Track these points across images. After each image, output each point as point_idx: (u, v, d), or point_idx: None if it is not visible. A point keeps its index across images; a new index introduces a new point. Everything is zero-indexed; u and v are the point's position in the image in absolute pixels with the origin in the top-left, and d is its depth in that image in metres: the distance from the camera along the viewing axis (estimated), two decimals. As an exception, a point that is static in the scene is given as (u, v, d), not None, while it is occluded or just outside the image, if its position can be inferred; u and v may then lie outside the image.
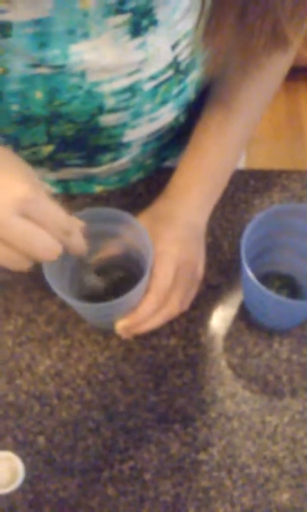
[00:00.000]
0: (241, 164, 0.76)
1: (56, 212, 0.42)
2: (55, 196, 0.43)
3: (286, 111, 1.69)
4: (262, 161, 1.56)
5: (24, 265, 0.42)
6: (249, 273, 0.49)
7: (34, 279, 0.61)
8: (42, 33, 0.46)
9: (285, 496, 0.52)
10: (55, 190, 0.65)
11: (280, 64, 0.60)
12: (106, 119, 0.55)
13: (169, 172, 0.61)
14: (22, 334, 0.59)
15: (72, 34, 0.47)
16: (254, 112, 0.62)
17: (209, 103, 0.61)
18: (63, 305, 0.60)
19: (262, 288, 0.49)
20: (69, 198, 0.66)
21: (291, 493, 0.52)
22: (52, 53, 0.48)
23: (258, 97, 0.61)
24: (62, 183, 0.65)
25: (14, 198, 0.39)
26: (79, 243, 0.46)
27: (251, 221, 0.51)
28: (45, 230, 0.41)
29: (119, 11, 0.47)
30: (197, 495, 0.52)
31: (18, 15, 0.45)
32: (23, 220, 0.40)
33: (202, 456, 0.53)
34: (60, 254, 0.43)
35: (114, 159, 0.61)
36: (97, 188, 0.66)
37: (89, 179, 0.65)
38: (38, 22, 0.45)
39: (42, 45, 0.47)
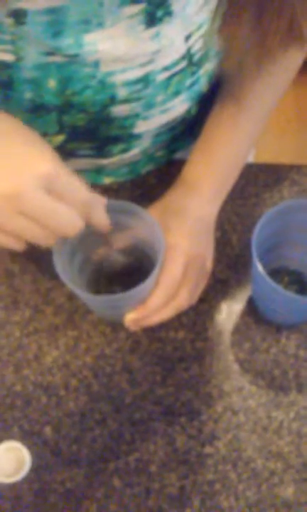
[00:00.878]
0: (250, 158, 0.76)
1: (79, 188, 0.43)
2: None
3: (294, 105, 1.68)
4: (270, 155, 1.56)
5: (48, 240, 0.43)
6: (260, 268, 0.49)
7: (42, 269, 0.61)
8: (56, 22, 0.46)
9: (289, 490, 0.52)
10: None
11: (294, 59, 0.59)
12: (118, 110, 0.54)
13: (179, 164, 0.60)
14: (30, 325, 0.59)
15: (87, 23, 0.46)
16: (266, 106, 0.62)
17: (221, 96, 0.61)
18: (71, 296, 0.59)
19: (272, 283, 0.49)
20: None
21: (296, 487, 0.52)
22: (66, 42, 0.47)
23: (270, 92, 0.61)
24: (71, 173, 0.65)
25: (39, 173, 0.40)
26: (101, 219, 0.46)
27: (261, 217, 0.50)
28: (68, 205, 0.42)
29: (135, 1, 0.46)
30: (202, 488, 0.52)
31: (33, 3, 0.44)
32: (46, 194, 0.40)
33: (208, 449, 0.54)
34: (81, 229, 0.43)
35: (125, 150, 0.61)
36: (107, 180, 0.66)
37: (99, 170, 0.65)
38: (52, 10, 0.45)
39: (57, 33, 0.47)
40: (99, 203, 0.45)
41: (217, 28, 0.50)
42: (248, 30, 0.49)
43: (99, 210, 0.45)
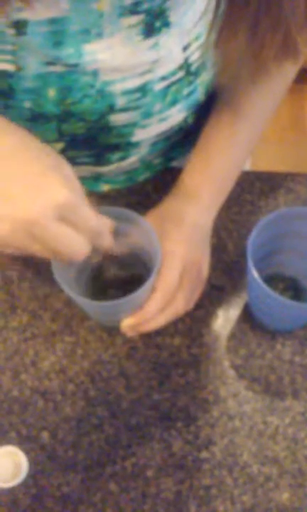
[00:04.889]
0: (247, 166, 0.77)
1: (90, 217, 0.43)
2: (88, 194, 0.44)
3: (290, 113, 1.70)
4: (266, 163, 1.57)
5: (52, 259, 0.44)
6: (255, 275, 0.50)
7: (40, 276, 0.62)
8: (57, 32, 0.47)
9: (285, 496, 0.52)
10: None
11: (288, 71, 0.60)
12: (117, 119, 0.55)
13: (176, 172, 0.61)
14: (27, 330, 0.59)
15: (87, 34, 0.47)
16: (262, 116, 0.63)
17: (217, 106, 0.62)
18: (68, 302, 0.60)
19: (268, 290, 0.49)
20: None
21: (291, 492, 0.52)
22: (67, 52, 0.48)
23: (265, 102, 0.62)
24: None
25: (55, 201, 0.40)
26: (108, 243, 0.46)
27: (257, 224, 0.51)
28: (78, 233, 0.42)
29: (134, 12, 0.47)
30: (199, 493, 0.52)
31: (34, 13, 0.45)
32: (58, 222, 0.41)
33: (204, 454, 0.54)
34: (87, 255, 0.44)
35: (123, 158, 0.61)
36: (105, 187, 0.67)
37: (97, 178, 0.65)
38: (53, 21, 0.46)
39: (57, 43, 0.47)
40: (106, 230, 0.46)
41: (213, 41, 0.51)
42: (243, 43, 0.49)
43: (106, 236, 0.46)
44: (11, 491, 0.52)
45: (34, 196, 0.40)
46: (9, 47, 0.48)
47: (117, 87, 0.52)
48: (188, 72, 0.56)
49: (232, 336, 0.59)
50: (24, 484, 0.53)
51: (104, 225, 0.45)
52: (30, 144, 0.43)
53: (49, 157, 0.42)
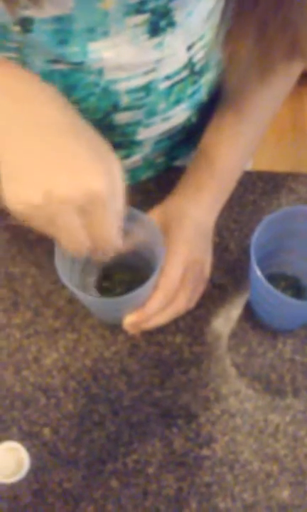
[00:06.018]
0: (249, 166, 0.77)
1: (109, 224, 0.42)
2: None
3: (290, 114, 1.71)
4: (265, 164, 1.57)
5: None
6: (258, 273, 0.50)
7: (43, 273, 0.62)
8: (62, 30, 0.47)
9: (285, 493, 0.53)
10: None
11: (294, 71, 0.61)
12: (121, 117, 0.55)
13: (179, 171, 0.61)
14: (30, 327, 0.59)
15: (92, 32, 0.48)
16: (264, 116, 0.63)
17: (221, 106, 0.62)
18: (71, 299, 0.60)
19: (271, 288, 0.50)
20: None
21: (291, 490, 0.53)
22: (72, 50, 0.48)
23: (269, 103, 0.62)
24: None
25: (86, 190, 0.39)
26: (104, 258, 0.46)
27: (261, 222, 0.51)
28: (86, 232, 0.41)
29: (139, 11, 0.48)
30: (199, 489, 0.53)
31: (40, 11, 0.45)
32: (76, 216, 0.40)
33: (205, 451, 0.54)
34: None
35: (126, 157, 0.62)
36: (107, 185, 0.67)
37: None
38: (58, 19, 0.46)
39: (62, 41, 0.48)
40: (112, 247, 0.44)
41: (220, 41, 0.51)
42: (251, 44, 0.50)
43: (108, 252, 0.45)
44: (13, 486, 0.53)
45: (70, 180, 0.39)
46: (14, 44, 0.48)
47: (122, 86, 0.52)
48: (192, 72, 0.57)
49: (234, 335, 0.59)
50: (25, 480, 0.53)
51: (114, 242, 0.44)
52: (82, 126, 0.42)
53: (102, 148, 0.42)
